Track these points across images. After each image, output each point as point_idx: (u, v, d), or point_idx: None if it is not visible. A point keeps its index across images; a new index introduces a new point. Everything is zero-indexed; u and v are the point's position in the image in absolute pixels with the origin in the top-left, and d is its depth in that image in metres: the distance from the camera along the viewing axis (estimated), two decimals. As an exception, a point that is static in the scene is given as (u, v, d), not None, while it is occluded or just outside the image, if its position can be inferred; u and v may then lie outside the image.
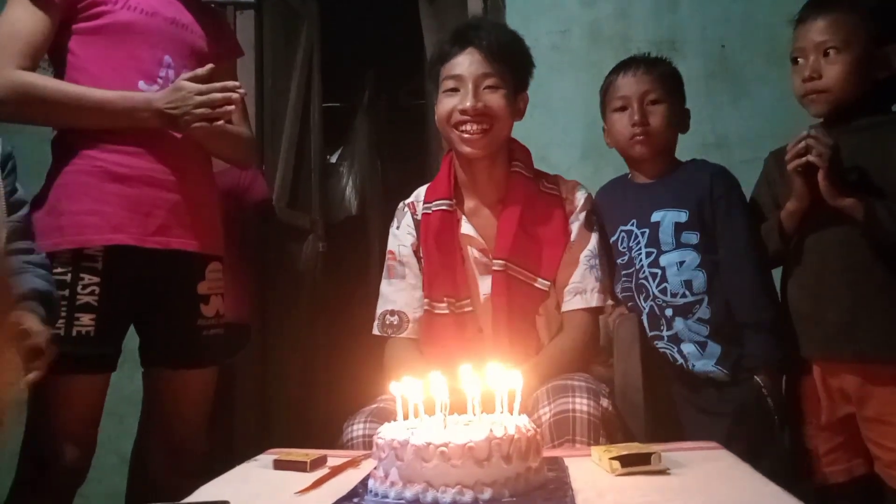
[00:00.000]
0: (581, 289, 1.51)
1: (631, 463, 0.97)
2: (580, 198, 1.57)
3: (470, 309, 1.51)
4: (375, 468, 0.93)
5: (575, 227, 1.54)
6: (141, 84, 1.47)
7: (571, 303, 1.51)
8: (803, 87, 1.48)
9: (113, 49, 1.46)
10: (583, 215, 1.55)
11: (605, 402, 1.26)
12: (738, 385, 1.51)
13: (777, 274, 1.60)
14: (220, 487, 1.00)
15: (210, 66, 1.47)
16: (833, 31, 1.44)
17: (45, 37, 1.43)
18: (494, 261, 1.50)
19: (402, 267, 1.59)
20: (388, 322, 1.56)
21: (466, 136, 1.48)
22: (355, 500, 0.88)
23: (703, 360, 1.52)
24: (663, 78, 1.61)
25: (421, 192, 1.64)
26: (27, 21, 1.40)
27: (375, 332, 1.58)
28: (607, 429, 1.23)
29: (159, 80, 1.49)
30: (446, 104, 1.50)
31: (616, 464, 0.97)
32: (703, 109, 2.22)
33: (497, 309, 1.48)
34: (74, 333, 1.39)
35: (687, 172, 1.63)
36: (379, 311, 1.59)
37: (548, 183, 1.59)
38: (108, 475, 2.38)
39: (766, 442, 1.49)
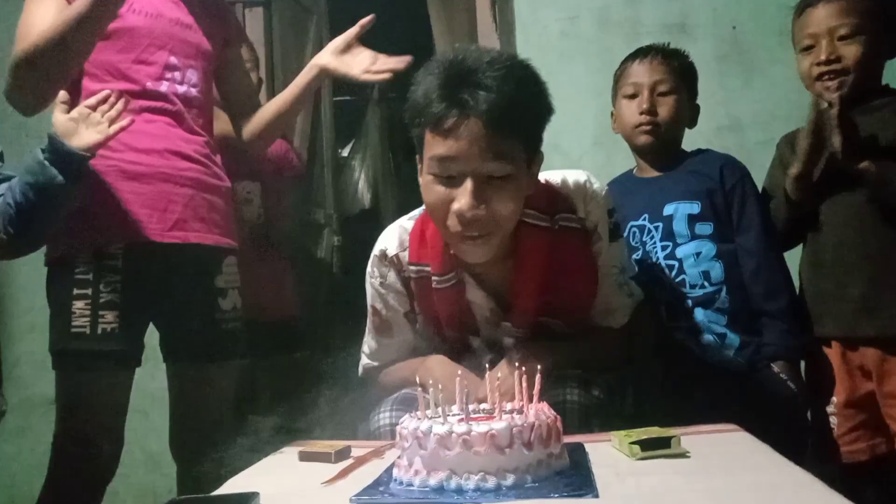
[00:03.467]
0: (611, 309, 1.36)
1: (651, 447, 0.98)
2: (595, 209, 1.29)
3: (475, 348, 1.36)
4: (399, 457, 0.95)
5: (599, 246, 1.31)
6: (148, 85, 1.49)
7: (598, 320, 1.37)
8: (817, 70, 1.48)
9: (122, 53, 1.48)
10: (603, 228, 1.30)
11: (595, 391, 1.23)
12: (757, 373, 1.51)
13: (792, 257, 1.60)
14: (248, 479, 1.02)
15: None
16: (846, 15, 1.45)
17: None
18: (512, 328, 1.31)
19: (388, 326, 1.38)
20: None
21: (466, 244, 1.19)
22: (381, 488, 0.90)
23: (721, 351, 1.52)
24: (678, 70, 1.60)
25: (403, 238, 1.34)
26: (52, 14, 1.41)
27: (362, 374, 1.47)
28: (600, 417, 1.20)
29: (165, 82, 1.51)
30: (436, 192, 1.16)
31: (636, 448, 0.98)
32: (716, 92, 2.22)
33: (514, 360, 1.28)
34: (99, 331, 1.42)
35: (695, 163, 1.62)
36: (364, 360, 1.45)
37: (565, 213, 1.28)
38: (134, 471, 2.43)
39: (788, 427, 1.49)
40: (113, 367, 1.45)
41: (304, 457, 1.11)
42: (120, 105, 1.35)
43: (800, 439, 1.49)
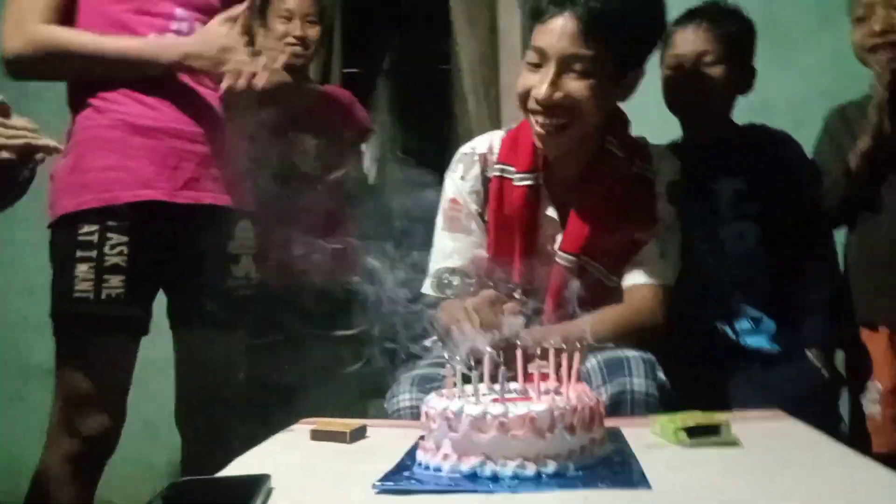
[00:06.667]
0: (641, 261, 1.33)
1: (700, 434, 0.89)
2: (663, 170, 1.36)
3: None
4: (423, 439, 0.86)
5: (658, 206, 1.34)
6: (152, 36, 1.40)
7: (629, 278, 1.33)
8: (872, 41, 1.41)
9: (122, 3, 1.40)
10: (665, 190, 1.35)
11: (661, 376, 1.17)
12: (791, 360, 1.44)
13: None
14: (257, 459, 0.94)
15: (246, 5, 1.39)
16: None
17: None
18: (560, 253, 1.32)
19: (468, 220, 1.38)
20: (445, 281, 1.36)
21: (538, 128, 1.26)
22: (405, 473, 0.81)
23: (756, 337, 1.45)
24: (727, 36, 1.48)
25: (494, 142, 1.40)
26: None
27: (428, 291, 1.37)
28: (664, 404, 1.14)
29: (171, 34, 1.42)
30: (524, 81, 1.26)
31: (683, 435, 0.89)
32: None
33: (552, 304, 1.31)
34: (104, 296, 1.34)
35: (748, 138, 1.53)
36: (434, 266, 1.38)
37: (641, 161, 1.35)
38: (131, 441, 2.31)
39: (823, 415, 1.42)
40: (117, 334, 1.38)
41: (317, 436, 1.02)
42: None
43: (831, 428, 1.42)
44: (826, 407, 1.44)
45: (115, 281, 1.34)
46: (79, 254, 1.34)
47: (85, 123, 1.39)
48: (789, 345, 1.44)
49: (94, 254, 1.34)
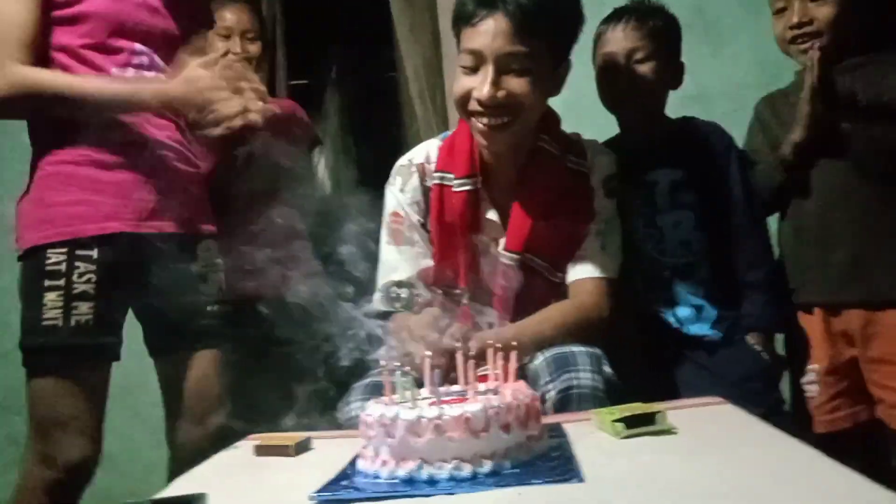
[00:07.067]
0: (583, 256, 1.35)
1: (636, 424, 0.91)
2: (599, 164, 1.39)
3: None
4: (364, 447, 0.86)
5: (595, 200, 1.37)
6: (114, 71, 1.40)
7: (572, 273, 1.36)
8: (791, 33, 1.44)
9: (83, 38, 1.39)
10: (602, 184, 1.38)
11: (607, 370, 1.19)
12: (732, 345, 1.47)
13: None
14: (197, 479, 0.93)
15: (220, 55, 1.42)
16: None
17: (36, 25, 1.35)
18: (504, 252, 1.34)
19: (410, 231, 1.39)
20: (394, 295, 1.36)
21: (482, 127, 1.28)
22: (344, 483, 0.81)
23: (698, 324, 1.48)
24: (655, 33, 1.51)
25: (430, 151, 1.42)
26: (16, 11, 1.32)
27: (377, 305, 1.36)
28: (611, 397, 1.15)
29: (132, 69, 1.42)
30: (462, 84, 1.28)
31: (620, 426, 0.91)
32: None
33: (500, 305, 1.33)
34: (73, 323, 1.33)
35: (681, 130, 1.56)
36: (381, 280, 1.39)
37: (575, 157, 1.38)
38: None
39: (765, 397, 1.45)
40: (89, 360, 1.36)
41: (261, 451, 1.02)
42: None
43: (773, 411, 1.45)
44: (767, 390, 1.47)
45: (84, 308, 1.33)
46: (47, 283, 1.34)
47: (48, 158, 1.38)
48: (731, 330, 1.47)
49: (62, 282, 1.34)
